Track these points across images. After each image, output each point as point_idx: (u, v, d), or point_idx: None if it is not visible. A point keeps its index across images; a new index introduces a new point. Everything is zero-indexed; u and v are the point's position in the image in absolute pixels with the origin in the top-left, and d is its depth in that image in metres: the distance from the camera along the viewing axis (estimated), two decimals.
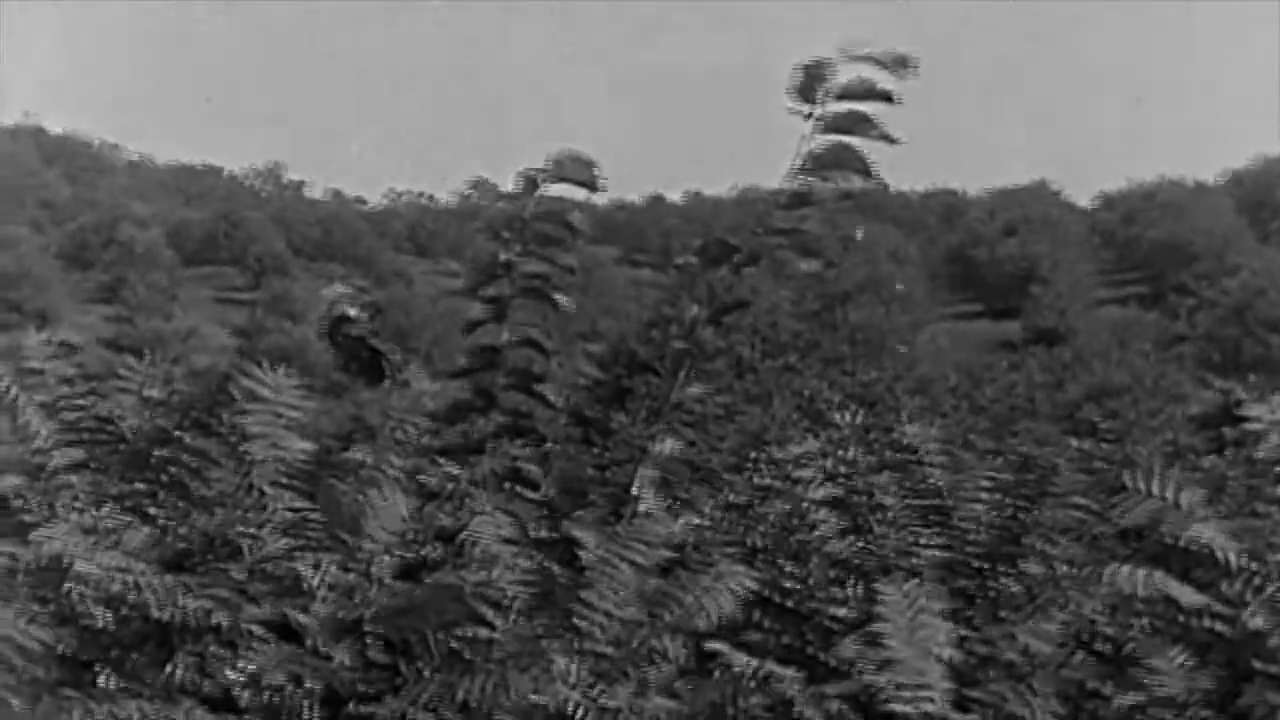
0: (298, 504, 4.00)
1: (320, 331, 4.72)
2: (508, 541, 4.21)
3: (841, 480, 5.03)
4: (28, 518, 3.89)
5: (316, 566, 3.94)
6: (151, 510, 4.07)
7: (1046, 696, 4.32)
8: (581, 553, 4.23)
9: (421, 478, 4.37)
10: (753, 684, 4.19)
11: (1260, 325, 75.41)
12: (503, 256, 4.56)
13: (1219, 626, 4.45)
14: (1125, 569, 4.40)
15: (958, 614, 4.50)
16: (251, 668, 3.79)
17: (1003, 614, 4.60)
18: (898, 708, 4.10)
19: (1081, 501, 4.82)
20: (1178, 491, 4.43)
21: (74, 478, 4.22)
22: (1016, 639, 4.47)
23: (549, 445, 4.68)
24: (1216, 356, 68.40)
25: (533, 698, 3.71)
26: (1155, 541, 4.67)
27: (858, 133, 4.50)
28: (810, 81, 4.47)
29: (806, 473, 5.05)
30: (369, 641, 3.89)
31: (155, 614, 3.73)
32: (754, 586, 4.33)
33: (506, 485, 4.49)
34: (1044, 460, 4.91)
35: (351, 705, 3.82)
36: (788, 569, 4.77)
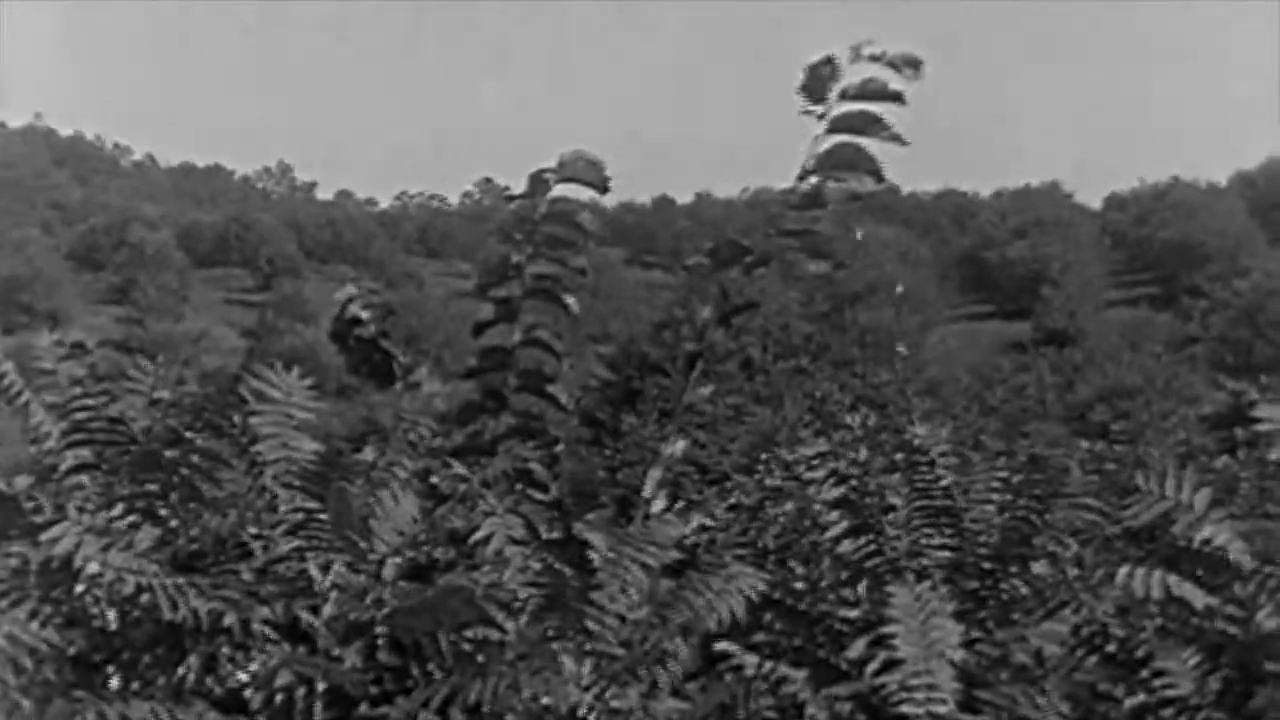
0: (308, 505, 4.00)
1: (331, 333, 4.72)
2: (518, 543, 4.21)
3: (852, 482, 5.02)
4: (38, 519, 3.88)
5: (327, 568, 3.94)
6: (162, 511, 4.07)
7: (1057, 699, 4.31)
8: (592, 554, 4.22)
9: (432, 479, 4.36)
10: (763, 685, 4.19)
11: (1272, 327, 75.32)
12: (513, 258, 4.57)
13: (1231, 628, 4.43)
14: (1137, 571, 4.39)
15: (968, 615, 4.50)
16: (262, 669, 3.79)
17: (1013, 616, 4.59)
18: (908, 709, 4.10)
19: (1092, 503, 4.80)
20: (1189, 493, 4.41)
21: (85, 479, 4.22)
22: (1027, 641, 4.46)
23: (559, 447, 4.68)
24: (1228, 358, 68.34)
25: (543, 699, 3.71)
26: (1167, 543, 4.65)
27: (868, 133, 4.50)
28: (819, 82, 4.46)
29: (817, 474, 5.04)
30: (379, 643, 3.88)
31: (166, 615, 3.73)
32: (764, 588, 4.32)
33: (517, 487, 4.49)
34: (1055, 461, 4.90)
35: (362, 707, 3.82)
36: (798, 570, 4.77)
